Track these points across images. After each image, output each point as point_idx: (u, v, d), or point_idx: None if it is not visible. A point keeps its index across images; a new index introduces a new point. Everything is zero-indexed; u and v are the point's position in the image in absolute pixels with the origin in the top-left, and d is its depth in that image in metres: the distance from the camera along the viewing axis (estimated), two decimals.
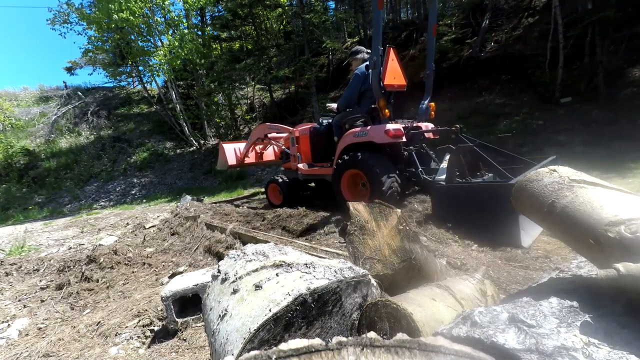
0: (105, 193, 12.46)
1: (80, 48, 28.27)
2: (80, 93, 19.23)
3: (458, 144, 3.17)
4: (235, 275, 1.03)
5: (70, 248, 4.66)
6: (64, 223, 7.36)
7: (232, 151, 6.03)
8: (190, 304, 1.98)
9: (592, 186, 0.94)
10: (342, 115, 4.01)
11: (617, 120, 6.46)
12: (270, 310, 0.79)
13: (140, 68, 15.13)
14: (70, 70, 21.29)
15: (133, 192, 12.28)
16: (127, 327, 2.06)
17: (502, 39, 10.48)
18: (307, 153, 4.63)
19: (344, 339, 0.52)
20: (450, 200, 2.80)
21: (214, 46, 15.06)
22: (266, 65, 13.40)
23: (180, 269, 2.97)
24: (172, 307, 1.91)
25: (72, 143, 15.56)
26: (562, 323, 0.66)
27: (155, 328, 2.04)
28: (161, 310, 2.13)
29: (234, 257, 1.17)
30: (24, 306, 2.67)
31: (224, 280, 1.06)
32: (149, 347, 1.87)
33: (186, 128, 14.06)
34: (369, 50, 3.78)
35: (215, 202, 6.11)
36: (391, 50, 3.59)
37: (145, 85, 17.32)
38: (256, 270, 1.01)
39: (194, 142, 14.31)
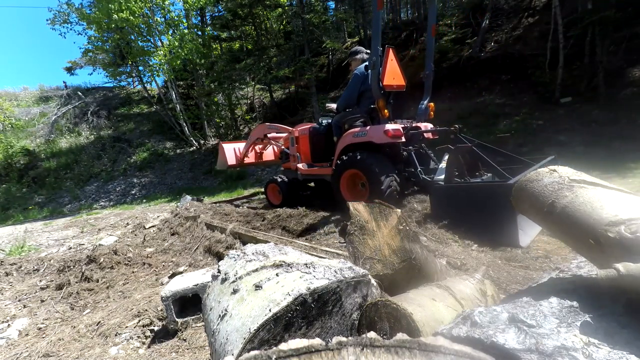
0: (105, 193, 12.46)
1: (80, 48, 28.31)
2: (80, 93, 19.23)
3: (457, 144, 3.18)
4: (235, 275, 1.03)
5: (70, 248, 4.66)
6: (64, 223, 7.36)
7: (231, 151, 6.04)
8: (190, 304, 1.98)
9: (592, 186, 0.94)
10: (342, 116, 4.02)
11: (617, 120, 6.46)
12: (270, 310, 0.79)
13: (140, 68, 15.13)
14: (70, 70, 21.30)
15: (133, 192, 12.28)
16: (127, 327, 2.06)
17: (502, 39, 10.48)
18: (306, 153, 4.64)
19: (344, 339, 0.52)
20: (449, 200, 2.81)
21: (214, 46, 15.06)
22: (266, 65, 13.40)
23: (180, 269, 2.97)
24: (172, 307, 1.91)
25: (72, 143, 15.56)
26: (562, 323, 0.66)
27: (155, 328, 2.04)
28: (161, 310, 2.13)
29: (234, 257, 1.17)
30: (24, 306, 2.67)
31: (224, 280, 1.06)
32: (149, 347, 1.87)
33: (186, 128, 14.05)
34: (368, 51, 3.79)
35: (215, 202, 6.11)
36: (390, 51, 3.59)
37: (145, 85, 17.32)
38: (256, 270, 1.01)
39: (194, 142, 14.31)
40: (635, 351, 0.57)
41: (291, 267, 0.98)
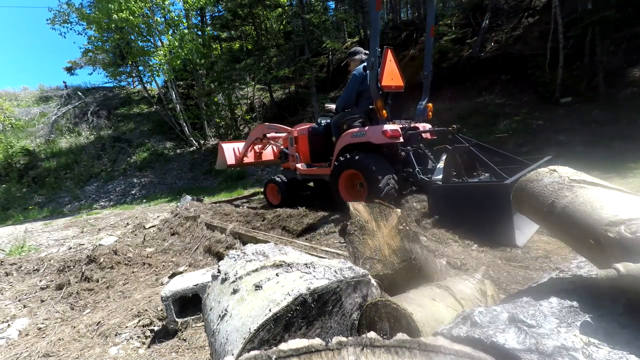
0: (105, 193, 12.45)
1: (80, 48, 28.33)
2: (80, 93, 19.22)
3: (454, 144, 3.19)
4: (235, 275, 1.03)
5: (70, 248, 4.66)
6: (64, 223, 7.36)
7: (231, 151, 6.05)
8: (190, 304, 1.98)
9: (592, 186, 0.94)
10: (341, 116, 4.03)
11: (617, 120, 6.46)
12: (270, 310, 0.79)
13: (140, 68, 15.12)
14: (70, 70, 21.29)
15: (133, 192, 12.28)
16: (127, 327, 2.06)
17: (502, 39, 10.47)
18: (305, 153, 4.64)
19: (344, 339, 0.52)
20: (447, 200, 2.82)
21: (214, 46, 15.05)
22: (266, 65, 13.40)
23: (180, 269, 2.97)
24: (172, 307, 1.91)
25: (72, 143, 15.56)
26: (562, 323, 0.66)
27: (155, 328, 2.04)
28: (161, 310, 2.13)
29: (234, 257, 1.17)
30: (24, 306, 2.67)
31: (224, 280, 1.06)
32: (149, 347, 1.87)
33: (186, 128, 14.05)
34: (367, 51, 3.80)
35: (215, 202, 6.11)
36: (389, 52, 3.60)
37: (145, 85, 17.32)
38: (256, 270, 1.01)
39: (194, 142, 14.31)
40: (635, 351, 0.57)
41: (291, 267, 0.98)
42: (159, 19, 12.72)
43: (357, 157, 3.50)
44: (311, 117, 11.81)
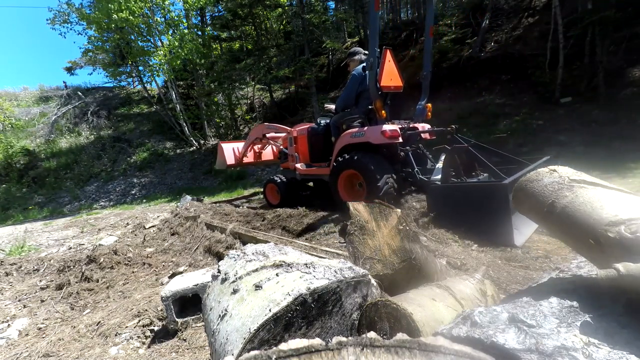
0: (105, 193, 12.45)
1: (80, 48, 28.35)
2: (80, 93, 19.22)
3: (453, 144, 3.19)
4: (235, 275, 1.03)
5: (70, 248, 4.66)
6: (64, 223, 7.36)
7: (230, 151, 6.06)
8: (190, 304, 1.98)
9: (592, 186, 0.94)
10: (340, 116, 4.04)
11: (617, 120, 6.46)
12: (270, 310, 0.79)
13: (140, 68, 15.12)
14: (70, 70, 21.29)
15: (133, 192, 12.28)
16: (127, 327, 2.06)
17: (502, 39, 10.48)
18: (304, 153, 4.65)
19: (344, 339, 0.52)
20: (446, 199, 2.83)
21: (214, 46, 15.05)
22: (266, 65, 13.40)
23: (180, 269, 2.97)
24: (172, 307, 1.91)
25: (72, 143, 15.56)
26: (562, 323, 0.66)
27: (155, 328, 2.04)
28: (161, 310, 2.13)
29: (234, 257, 1.17)
30: (24, 306, 2.67)
31: (224, 280, 1.06)
32: (149, 347, 1.87)
33: (186, 128, 14.05)
34: (366, 52, 3.81)
35: (215, 202, 6.11)
36: (388, 52, 3.61)
37: (145, 85, 17.32)
38: (256, 270, 1.01)
39: (194, 142, 14.31)
40: (635, 351, 0.57)
41: (291, 267, 0.98)
42: (159, 19, 12.72)
43: (356, 157, 3.51)
44: (311, 117, 11.81)
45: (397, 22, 15.63)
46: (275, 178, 4.98)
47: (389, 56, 3.61)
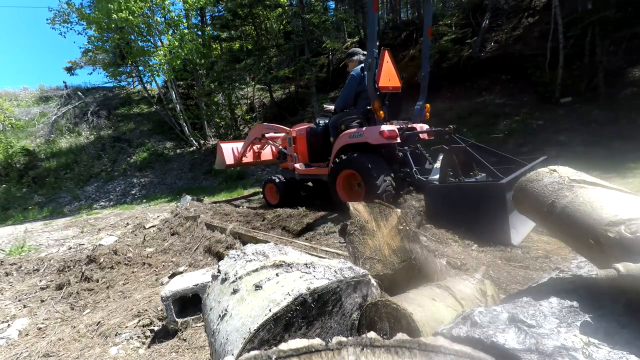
0: (105, 193, 12.45)
1: (80, 48, 28.37)
2: (80, 93, 19.22)
3: (451, 144, 3.20)
4: (235, 275, 1.03)
5: (70, 248, 4.66)
6: (64, 223, 7.35)
7: (230, 151, 6.06)
8: (190, 304, 1.98)
9: (592, 186, 0.94)
10: (339, 116, 4.05)
11: (617, 120, 6.46)
12: (270, 310, 0.79)
13: (140, 68, 15.11)
14: (70, 70, 21.27)
15: (133, 192, 12.28)
16: (127, 327, 2.06)
17: (502, 39, 10.48)
18: (303, 153, 4.66)
19: (344, 339, 0.52)
20: (443, 199, 2.84)
21: (214, 46, 15.05)
22: (266, 65, 13.40)
23: (180, 269, 2.97)
24: (172, 307, 1.91)
25: (72, 143, 15.55)
26: (562, 323, 0.66)
27: (155, 328, 2.04)
28: (161, 310, 2.13)
29: (234, 257, 1.17)
30: (24, 306, 2.67)
31: (224, 280, 1.06)
32: (149, 347, 1.87)
33: (186, 128, 14.05)
34: (365, 52, 3.81)
35: (215, 202, 6.11)
36: (386, 53, 3.62)
37: (145, 85, 17.31)
38: (256, 270, 1.01)
39: (194, 142, 14.31)
40: (635, 351, 0.57)
41: (291, 267, 0.98)
42: (159, 19, 12.72)
43: (354, 158, 3.52)
44: (311, 117, 11.81)
45: (397, 22, 15.63)
46: (275, 178, 4.98)
47: (387, 57, 3.62)
